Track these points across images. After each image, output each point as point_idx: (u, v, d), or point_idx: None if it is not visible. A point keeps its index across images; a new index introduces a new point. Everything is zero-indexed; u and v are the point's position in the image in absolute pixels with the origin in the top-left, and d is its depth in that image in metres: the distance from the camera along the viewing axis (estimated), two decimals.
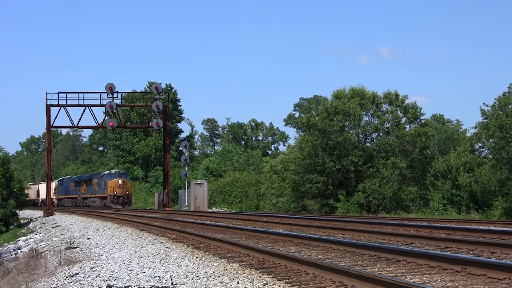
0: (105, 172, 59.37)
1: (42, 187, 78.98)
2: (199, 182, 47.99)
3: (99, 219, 32.11)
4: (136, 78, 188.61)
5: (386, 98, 42.61)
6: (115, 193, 54.36)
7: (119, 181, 55.24)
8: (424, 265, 9.35)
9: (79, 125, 47.60)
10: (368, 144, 43.12)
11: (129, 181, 59.87)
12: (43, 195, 77.45)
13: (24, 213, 50.83)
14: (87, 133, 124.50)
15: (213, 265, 10.97)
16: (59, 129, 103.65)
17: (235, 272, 10.01)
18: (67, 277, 11.87)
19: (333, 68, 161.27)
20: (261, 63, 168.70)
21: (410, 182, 40.60)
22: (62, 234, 23.97)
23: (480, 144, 41.36)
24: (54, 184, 74.60)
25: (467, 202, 40.08)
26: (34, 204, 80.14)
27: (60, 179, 76.46)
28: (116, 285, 9.99)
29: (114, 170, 60.80)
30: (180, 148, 72.63)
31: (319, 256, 11.13)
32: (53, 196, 73.41)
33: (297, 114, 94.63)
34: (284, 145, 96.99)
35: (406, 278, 8.52)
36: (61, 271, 13.04)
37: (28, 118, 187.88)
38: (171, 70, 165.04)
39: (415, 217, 28.96)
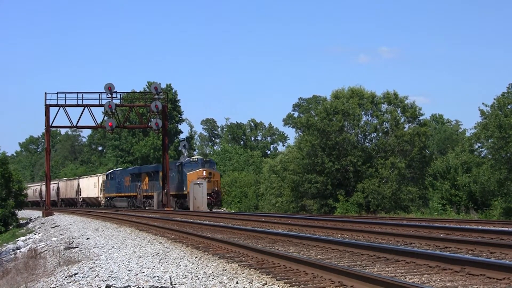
0: (183, 160, 45.05)
1: (84, 182, 66.17)
2: (198, 182, 47.79)
3: (98, 219, 32.10)
4: (135, 79, 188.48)
5: (386, 98, 42.67)
6: None
7: (204, 172, 41.87)
8: (423, 265, 9.36)
9: (78, 125, 47.56)
10: (367, 144, 43.14)
11: (218, 172, 44.59)
12: (85, 193, 65.20)
13: (23, 213, 50.79)
14: (86, 133, 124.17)
15: (212, 265, 10.97)
16: (58, 129, 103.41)
17: (234, 272, 10.01)
18: (66, 277, 11.87)
19: (332, 68, 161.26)
20: (260, 63, 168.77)
21: (409, 182, 40.62)
22: (61, 234, 23.95)
23: (479, 144, 41.39)
24: (100, 178, 61.59)
25: (466, 202, 40.10)
26: (72, 204, 67.76)
27: (109, 171, 60.46)
28: (115, 285, 9.99)
29: (195, 157, 46.11)
30: (179, 148, 72.52)
31: (318, 256, 11.13)
32: (99, 194, 61.70)
33: (296, 114, 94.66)
34: (283, 145, 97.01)
35: (405, 278, 8.52)
36: (60, 271, 13.03)
37: (27, 118, 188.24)
38: (170, 70, 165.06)
39: (414, 217, 28.96)
